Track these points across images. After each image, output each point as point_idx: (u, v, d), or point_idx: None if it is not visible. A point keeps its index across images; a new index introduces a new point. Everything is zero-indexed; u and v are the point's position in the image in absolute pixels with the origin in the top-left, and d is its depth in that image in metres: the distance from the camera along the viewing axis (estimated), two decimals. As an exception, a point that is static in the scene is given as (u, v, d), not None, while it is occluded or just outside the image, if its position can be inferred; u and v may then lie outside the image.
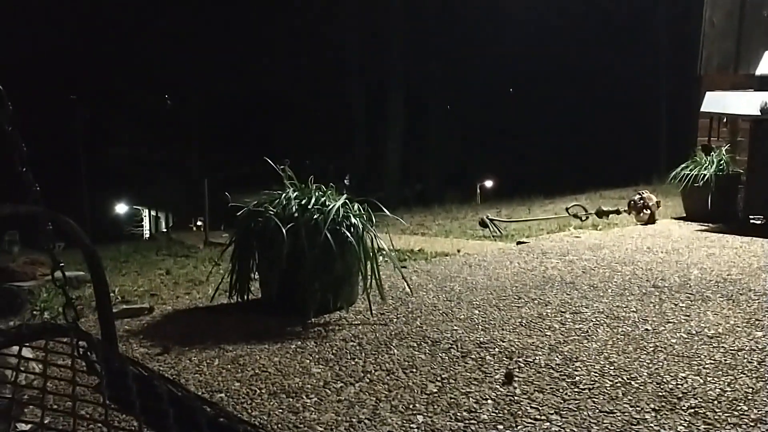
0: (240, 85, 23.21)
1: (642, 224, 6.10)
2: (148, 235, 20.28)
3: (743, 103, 5.53)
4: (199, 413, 0.97)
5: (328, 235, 3.15)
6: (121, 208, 25.94)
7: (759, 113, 5.38)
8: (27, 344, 1.29)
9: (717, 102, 5.79)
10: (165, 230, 20.60)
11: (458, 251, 5.36)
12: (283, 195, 3.36)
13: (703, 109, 5.99)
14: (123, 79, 21.96)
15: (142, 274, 5.47)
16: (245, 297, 3.44)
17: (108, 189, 22.91)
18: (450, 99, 26.52)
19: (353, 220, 3.27)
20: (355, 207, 3.43)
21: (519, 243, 5.57)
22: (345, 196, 3.42)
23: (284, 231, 3.10)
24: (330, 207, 3.25)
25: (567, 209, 6.84)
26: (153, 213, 26.69)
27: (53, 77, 19.47)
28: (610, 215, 6.58)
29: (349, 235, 3.22)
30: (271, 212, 3.23)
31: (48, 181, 1.58)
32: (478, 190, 24.15)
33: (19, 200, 1.47)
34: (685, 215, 6.39)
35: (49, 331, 1.32)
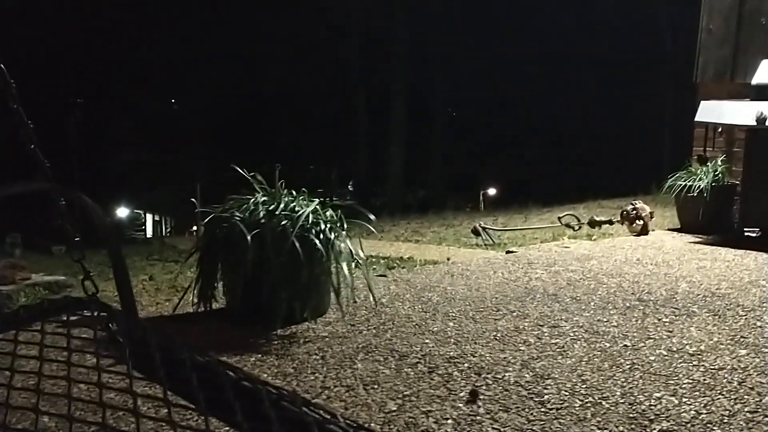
0: (243, 90, 23.15)
1: (635, 235, 5.96)
2: (144, 240, 20.20)
3: (739, 112, 5.40)
4: (222, 377, 0.99)
5: (296, 242, 3.03)
6: (122, 212, 25.86)
7: (754, 123, 5.24)
8: (50, 319, 1.32)
9: (712, 111, 5.65)
10: (161, 235, 20.52)
11: (448, 259, 5.23)
12: (252, 200, 3.25)
13: (697, 118, 5.85)
14: (124, 81, 21.93)
15: (125, 279, 5.36)
16: (210, 306, 3.32)
17: (109, 193, 22.85)
18: (453, 105, 26.41)
19: (323, 226, 3.15)
20: (328, 213, 3.31)
21: (508, 252, 5.44)
22: (316, 201, 3.30)
23: (248, 237, 2.99)
24: (299, 213, 3.13)
25: (559, 218, 6.70)
26: (154, 217, 26.61)
27: (53, 79, 19.44)
28: (603, 225, 6.44)
29: (317, 242, 3.10)
30: (237, 218, 3.12)
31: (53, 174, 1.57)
32: (481, 198, 24.01)
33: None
34: (679, 226, 6.25)
35: (70, 305, 1.36)
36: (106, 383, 1.08)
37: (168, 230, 22.23)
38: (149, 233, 25.09)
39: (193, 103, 23.52)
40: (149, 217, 26.67)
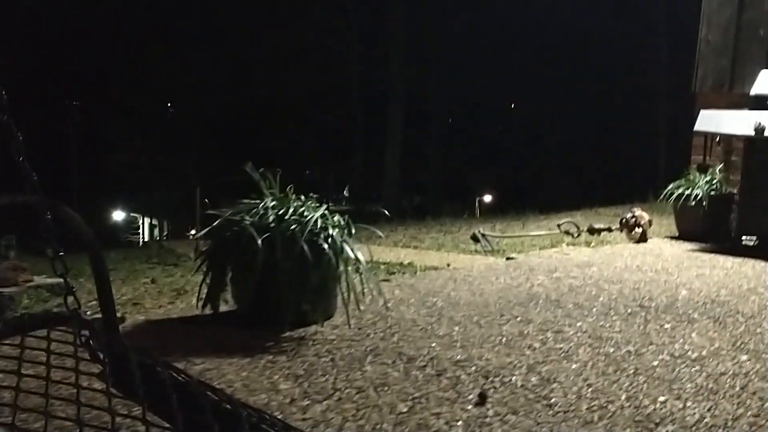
0: (240, 94, 23.20)
1: (634, 242, 6.02)
2: (142, 243, 20.17)
3: (737, 122, 5.48)
4: (203, 398, 0.98)
5: (305, 247, 3.08)
6: (119, 216, 25.83)
7: (752, 133, 5.31)
8: (29, 334, 1.29)
9: (711, 120, 5.73)
10: (158, 238, 20.50)
11: (448, 265, 5.28)
12: (261, 204, 3.29)
13: (696, 127, 5.93)
14: (120, 85, 21.95)
15: (127, 282, 5.37)
16: (218, 308, 3.36)
17: (105, 196, 22.86)
18: (450, 112, 26.53)
19: (331, 231, 3.20)
20: (335, 218, 3.36)
21: (508, 259, 5.49)
22: (324, 207, 3.34)
23: (259, 241, 3.03)
24: (308, 217, 3.18)
25: (558, 225, 6.75)
26: (151, 221, 26.58)
27: (49, 83, 19.45)
28: (602, 233, 6.49)
29: (326, 246, 3.14)
30: (247, 221, 3.16)
31: (41, 186, 1.57)
32: (477, 204, 24.04)
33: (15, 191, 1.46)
34: (677, 234, 6.31)
35: (50, 319, 1.34)
36: (84, 400, 1.05)
37: (165, 234, 22.19)
38: (146, 237, 25.04)
39: (189, 107, 23.56)
40: (145, 220, 26.63)
